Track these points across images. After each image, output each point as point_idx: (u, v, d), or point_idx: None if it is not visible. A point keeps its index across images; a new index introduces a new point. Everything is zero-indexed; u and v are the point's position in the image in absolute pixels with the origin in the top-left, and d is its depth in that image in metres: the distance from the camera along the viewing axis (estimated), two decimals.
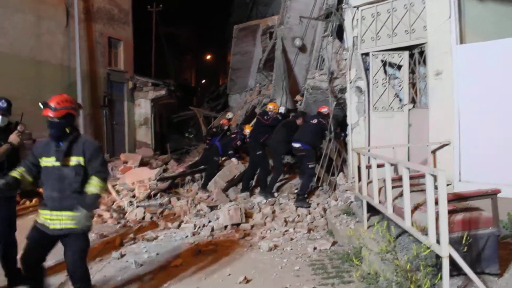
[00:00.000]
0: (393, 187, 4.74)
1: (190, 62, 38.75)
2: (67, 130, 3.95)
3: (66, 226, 3.92)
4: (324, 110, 9.05)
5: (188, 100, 28.00)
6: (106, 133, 15.83)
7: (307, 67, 11.89)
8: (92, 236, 6.97)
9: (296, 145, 8.73)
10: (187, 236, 6.90)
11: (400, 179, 4.99)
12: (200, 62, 41.70)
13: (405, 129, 7.94)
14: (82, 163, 3.92)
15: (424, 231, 3.63)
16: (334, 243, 6.29)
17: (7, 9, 11.63)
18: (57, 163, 3.88)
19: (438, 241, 3.36)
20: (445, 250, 3.25)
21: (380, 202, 5.13)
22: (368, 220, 5.93)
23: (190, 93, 31.47)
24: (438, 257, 3.48)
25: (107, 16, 16.17)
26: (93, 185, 3.87)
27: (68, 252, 4.03)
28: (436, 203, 3.38)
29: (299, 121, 9.35)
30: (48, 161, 3.94)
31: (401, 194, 4.78)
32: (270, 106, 10.07)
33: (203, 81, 41.50)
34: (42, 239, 4.04)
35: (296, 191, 8.93)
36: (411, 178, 5.10)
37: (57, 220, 3.91)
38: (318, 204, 8.28)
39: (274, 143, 9.19)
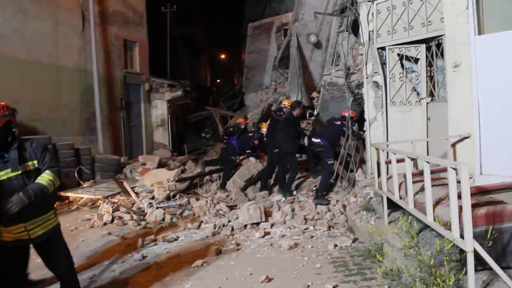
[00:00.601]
0: (413, 182, 4.69)
1: (205, 61, 38.84)
2: (9, 139, 3.88)
3: (46, 228, 3.99)
4: (347, 114, 9.04)
5: (204, 100, 28.10)
6: (124, 136, 15.96)
7: (323, 64, 11.80)
8: (113, 238, 7.06)
9: (316, 140, 8.76)
10: (207, 236, 6.93)
11: (420, 173, 4.94)
12: (214, 61, 41.81)
13: (424, 123, 7.84)
14: (37, 165, 3.94)
15: (447, 226, 3.58)
16: (354, 240, 6.25)
17: (25, 16, 11.81)
18: (14, 173, 3.81)
19: (462, 236, 3.31)
20: (470, 245, 3.20)
21: (400, 197, 5.08)
22: (388, 216, 5.88)
23: (205, 93, 31.59)
24: (462, 251, 3.44)
25: (122, 19, 16.29)
26: (42, 177, 3.85)
27: (59, 254, 4.16)
28: (459, 197, 3.33)
29: (296, 112, 9.11)
30: (1, 175, 3.79)
31: (422, 189, 4.72)
32: (285, 103, 10.04)
33: (218, 80, 41.60)
34: (21, 253, 4.16)
35: (315, 188, 8.90)
36: (431, 172, 5.03)
37: (37, 227, 3.93)
38: (337, 201, 8.23)
39: (281, 145, 9.06)
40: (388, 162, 5.69)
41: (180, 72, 24.92)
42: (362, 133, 9.20)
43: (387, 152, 5.93)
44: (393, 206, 5.73)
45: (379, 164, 6.21)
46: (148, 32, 17.97)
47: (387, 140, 8.06)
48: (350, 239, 6.25)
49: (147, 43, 17.83)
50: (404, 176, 4.84)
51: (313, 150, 9.18)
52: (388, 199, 5.68)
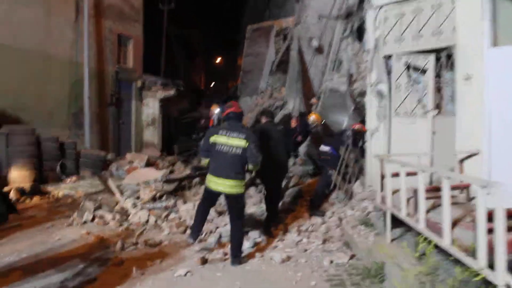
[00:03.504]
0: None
1: (200, 64, 38.34)
2: None
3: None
4: (357, 126, 8.65)
5: (197, 102, 27.62)
6: (112, 132, 15.43)
7: (323, 70, 11.39)
8: (92, 238, 6.56)
9: (325, 148, 8.37)
10: (193, 242, 6.44)
11: (431, 190, 4.54)
12: (209, 64, 41.36)
13: (428, 137, 7.45)
14: None
15: (469, 252, 3.15)
16: (352, 257, 5.81)
17: (15, 3, 11.31)
18: None
19: (490, 266, 2.87)
20: (502, 277, 2.77)
21: (408, 214, 4.67)
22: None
23: (199, 96, 31.10)
24: (487, 283, 3.00)
25: (118, 13, 15.80)
26: None
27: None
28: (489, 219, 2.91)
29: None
30: None
31: (433, 207, 4.33)
32: (313, 117, 9.37)
33: (212, 84, 41.20)
34: None
35: (310, 198, 8.46)
36: (437, 189, 4.66)
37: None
38: (333, 212, 7.81)
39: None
40: (394, 175, 5.27)
41: (175, 73, 24.43)
42: (360, 143, 8.76)
43: (391, 165, 5.53)
44: (394, 222, 5.34)
45: (382, 177, 5.83)
46: (144, 29, 17.50)
47: (389, 152, 7.67)
48: (347, 255, 5.81)
49: (142, 39, 17.34)
50: (414, 191, 4.44)
51: (318, 158, 8.83)
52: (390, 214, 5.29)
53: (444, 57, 7.31)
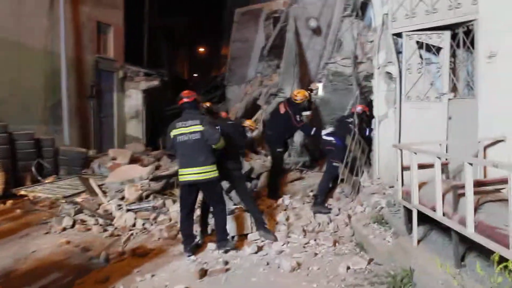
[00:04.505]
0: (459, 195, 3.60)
1: (183, 54, 37.40)
2: None
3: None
4: (359, 109, 7.88)
5: (181, 92, 26.74)
6: (93, 127, 14.47)
7: (321, 53, 10.59)
8: (72, 249, 5.77)
9: (329, 138, 7.61)
10: (191, 255, 5.64)
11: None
12: (193, 55, 40.51)
13: (444, 123, 6.75)
14: None
15: None
16: (369, 261, 5.10)
17: None
18: None
19: None
20: None
21: (444, 214, 3.94)
22: (409, 233, 4.82)
23: (183, 86, 30.21)
24: None
25: None
26: None
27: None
28: None
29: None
30: None
31: (478, 205, 3.61)
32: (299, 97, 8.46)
33: (195, 74, 40.35)
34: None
35: (312, 193, 7.71)
36: (483, 183, 3.98)
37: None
38: (339, 209, 7.08)
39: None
40: (422, 166, 4.54)
41: (158, 63, 23.50)
42: (367, 129, 7.99)
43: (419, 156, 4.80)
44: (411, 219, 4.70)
45: (403, 169, 5.13)
46: (125, 18, 16.51)
47: (399, 141, 6.96)
48: (365, 260, 5.11)
49: (123, 27, 16.34)
50: (453, 187, 3.72)
51: (322, 148, 8.09)
52: (407, 211, 4.66)
53: (462, 34, 6.58)
